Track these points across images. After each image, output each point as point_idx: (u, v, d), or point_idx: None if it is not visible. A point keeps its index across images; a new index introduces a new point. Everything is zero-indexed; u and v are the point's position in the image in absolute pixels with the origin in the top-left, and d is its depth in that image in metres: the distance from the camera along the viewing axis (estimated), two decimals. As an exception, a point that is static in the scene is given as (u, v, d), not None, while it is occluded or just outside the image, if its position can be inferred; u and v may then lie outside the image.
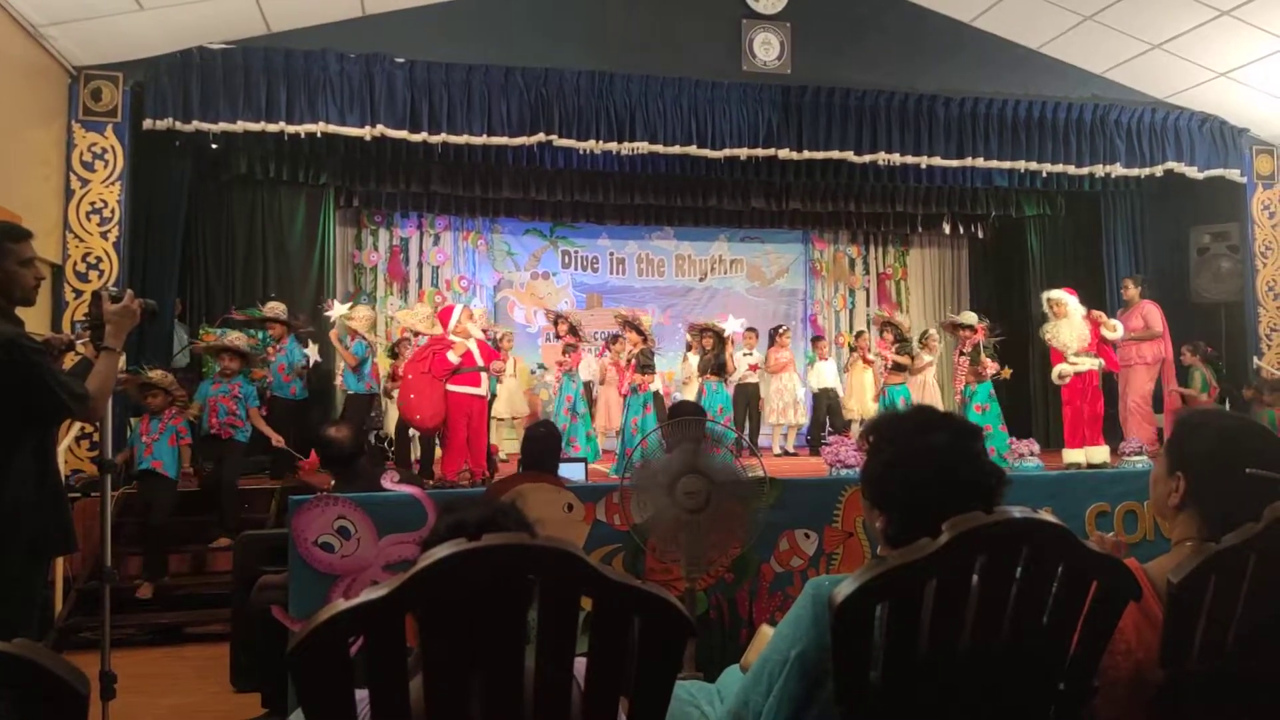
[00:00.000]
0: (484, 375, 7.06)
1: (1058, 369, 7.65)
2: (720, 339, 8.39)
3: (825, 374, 10.04)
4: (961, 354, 8.05)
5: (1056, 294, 7.73)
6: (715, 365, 8.28)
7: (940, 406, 8.55)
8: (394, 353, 8.70)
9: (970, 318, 8.52)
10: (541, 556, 1.07)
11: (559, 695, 1.13)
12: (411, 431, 7.81)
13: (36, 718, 0.94)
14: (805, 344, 11.51)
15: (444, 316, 7.13)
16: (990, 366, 7.75)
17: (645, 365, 8.06)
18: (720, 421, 7.63)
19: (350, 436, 4.32)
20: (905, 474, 1.48)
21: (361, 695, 1.10)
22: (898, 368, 8.10)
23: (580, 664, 1.16)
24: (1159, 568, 1.58)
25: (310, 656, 1.04)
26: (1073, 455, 7.45)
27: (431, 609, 1.07)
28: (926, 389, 9.55)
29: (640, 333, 8.19)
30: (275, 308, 7.68)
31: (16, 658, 0.92)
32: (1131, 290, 8.41)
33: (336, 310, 8.03)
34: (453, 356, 6.75)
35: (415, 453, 8.04)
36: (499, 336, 9.34)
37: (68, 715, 0.95)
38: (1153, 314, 8.20)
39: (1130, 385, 8.21)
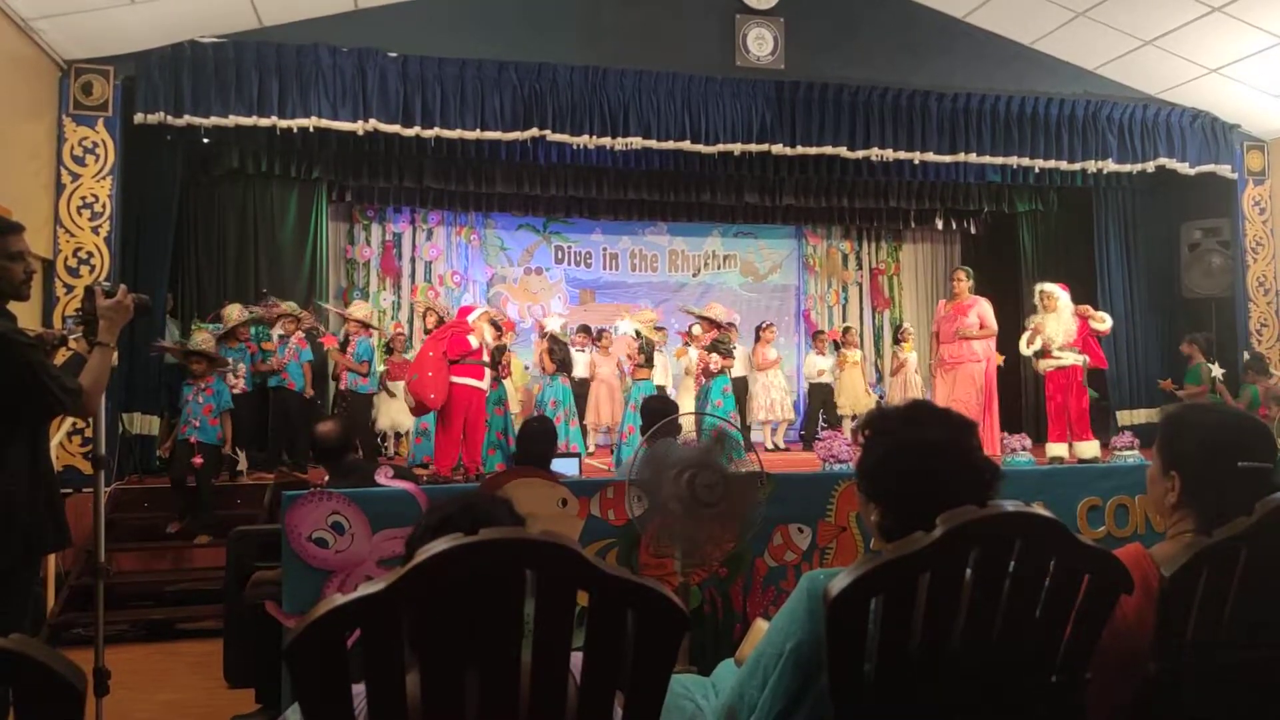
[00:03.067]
0: (487, 370, 7.12)
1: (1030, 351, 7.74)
2: (555, 335, 8.66)
3: (819, 369, 10.06)
4: (704, 348, 8.34)
5: (1049, 287, 7.66)
6: (558, 361, 8.46)
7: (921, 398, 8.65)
8: (389, 349, 8.69)
9: (717, 311, 8.65)
10: (538, 551, 1.08)
11: (555, 689, 1.14)
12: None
13: (34, 713, 0.94)
14: (799, 339, 11.55)
15: (465, 311, 7.42)
16: (723, 362, 8.19)
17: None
18: (556, 415, 7.94)
19: (337, 430, 4.37)
20: (900, 468, 1.49)
21: (358, 690, 1.10)
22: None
23: (576, 658, 1.16)
24: (1163, 553, 1.60)
25: (307, 651, 1.04)
26: (1055, 449, 7.42)
27: (428, 604, 1.07)
28: (908, 384, 9.59)
29: (509, 331, 8.69)
30: (206, 340, 6.68)
31: (13, 653, 0.92)
32: (964, 283, 7.89)
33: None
34: (473, 340, 6.91)
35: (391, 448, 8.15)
36: (502, 330, 9.45)
37: (65, 710, 0.95)
38: (988, 311, 7.77)
39: (957, 384, 7.59)
